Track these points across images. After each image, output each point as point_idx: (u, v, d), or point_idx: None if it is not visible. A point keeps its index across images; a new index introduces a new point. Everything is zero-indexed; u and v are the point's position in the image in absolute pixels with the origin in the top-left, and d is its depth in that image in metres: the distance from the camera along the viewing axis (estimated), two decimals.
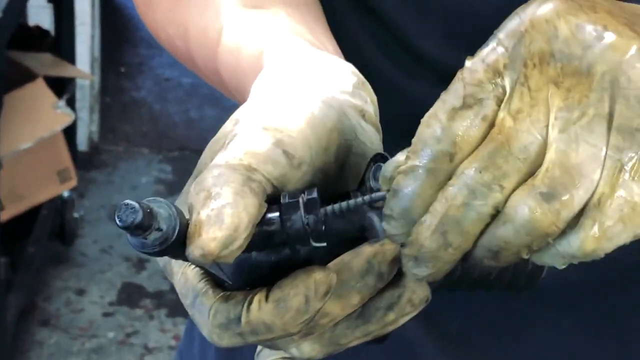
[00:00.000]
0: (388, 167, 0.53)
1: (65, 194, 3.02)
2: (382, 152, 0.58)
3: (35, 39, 3.03)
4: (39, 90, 2.79)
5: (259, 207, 0.53)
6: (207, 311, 0.55)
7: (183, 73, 3.83)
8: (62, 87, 2.95)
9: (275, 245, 0.55)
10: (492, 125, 0.49)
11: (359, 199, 0.55)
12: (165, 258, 0.58)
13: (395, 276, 0.55)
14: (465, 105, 0.50)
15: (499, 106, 0.49)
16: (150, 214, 0.51)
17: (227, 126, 0.57)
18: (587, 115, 0.47)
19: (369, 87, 0.62)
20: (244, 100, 0.65)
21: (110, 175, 3.50)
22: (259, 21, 0.69)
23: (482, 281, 0.63)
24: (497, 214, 0.49)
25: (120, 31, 3.60)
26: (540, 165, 0.48)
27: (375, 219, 0.56)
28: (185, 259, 0.53)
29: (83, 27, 3.35)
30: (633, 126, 0.47)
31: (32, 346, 2.78)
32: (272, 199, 0.55)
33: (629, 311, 0.79)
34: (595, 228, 0.47)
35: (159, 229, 0.51)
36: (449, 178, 0.50)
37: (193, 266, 0.56)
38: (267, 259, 0.55)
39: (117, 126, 3.68)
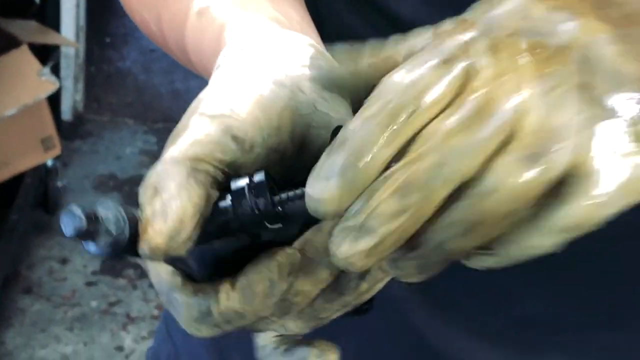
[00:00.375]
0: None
1: (49, 162, 3.01)
2: (341, 125, 0.57)
3: (20, 6, 3.02)
4: (23, 57, 2.77)
5: (206, 197, 0.53)
6: (180, 307, 0.56)
7: None
8: (46, 54, 2.94)
9: (233, 232, 0.55)
10: (463, 87, 0.46)
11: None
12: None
13: None
14: (437, 64, 0.46)
15: (470, 72, 0.46)
16: (95, 219, 0.51)
17: (183, 119, 0.57)
18: (563, 85, 0.46)
19: (329, 56, 0.61)
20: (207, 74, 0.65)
21: (95, 145, 3.49)
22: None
23: None
24: (469, 183, 0.44)
25: (105, 1, 3.58)
26: (515, 132, 0.45)
27: None
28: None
29: None
30: (606, 98, 0.46)
31: (15, 313, 2.78)
32: (226, 187, 0.54)
33: (619, 276, 0.79)
34: (586, 195, 0.44)
35: (108, 233, 0.51)
36: (411, 138, 0.46)
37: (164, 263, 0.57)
38: (228, 246, 0.55)
39: (102, 96, 3.67)
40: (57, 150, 2.94)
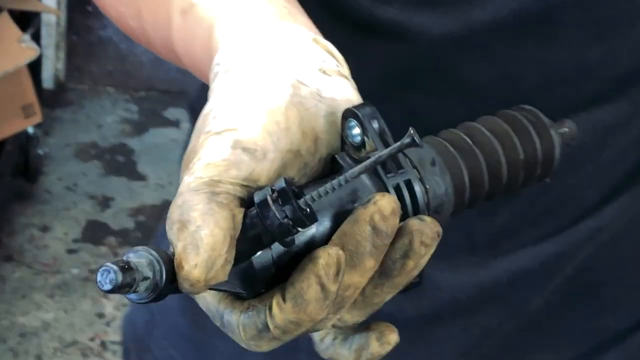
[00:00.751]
0: None
1: (30, 130, 3.00)
2: (351, 108, 0.57)
3: None
4: (3, 24, 2.76)
5: (232, 217, 0.53)
6: (236, 328, 0.56)
7: None
8: (27, 22, 2.93)
9: (267, 244, 0.55)
10: None
11: (341, 178, 0.54)
12: None
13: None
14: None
15: None
16: (129, 269, 0.51)
17: (193, 139, 0.57)
18: None
19: (323, 40, 0.61)
20: (205, 81, 0.64)
21: (76, 114, 3.48)
22: None
23: (496, 189, 0.62)
24: None
25: None
26: None
27: (364, 176, 0.56)
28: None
29: None
30: None
31: None
32: (251, 201, 0.54)
33: (604, 224, 0.80)
34: None
35: (146, 278, 0.51)
36: None
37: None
38: (267, 259, 0.55)
39: (83, 65, 3.66)
40: (37, 118, 2.93)
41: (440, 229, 0.56)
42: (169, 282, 0.52)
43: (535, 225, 0.79)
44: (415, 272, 0.56)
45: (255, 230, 0.54)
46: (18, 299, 2.75)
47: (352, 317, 0.57)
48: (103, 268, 0.51)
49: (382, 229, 0.54)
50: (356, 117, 0.57)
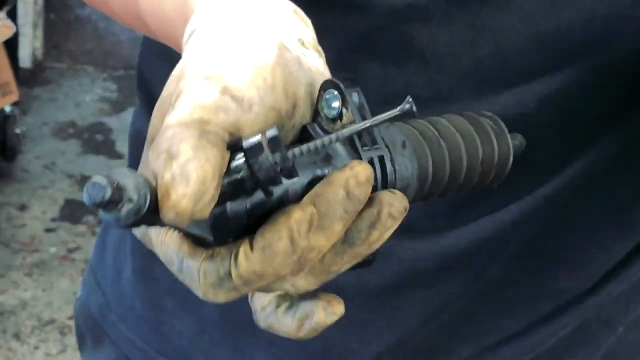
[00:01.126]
0: None
1: (7, 109, 3.00)
2: (332, 79, 0.58)
3: None
4: None
5: (222, 157, 0.53)
6: (196, 274, 0.55)
7: None
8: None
9: (247, 191, 0.54)
10: None
11: (325, 139, 0.55)
12: (142, 229, 0.58)
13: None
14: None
15: None
16: (118, 187, 0.50)
17: (170, 85, 0.56)
18: None
19: (302, 12, 0.62)
20: (175, 46, 0.64)
21: (54, 93, 3.47)
22: None
23: (452, 185, 0.63)
24: None
25: None
26: None
27: (338, 145, 0.57)
28: (162, 224, 0.52)
29: None
30: None
31: None
32: (232, 147, 0.54)
33: (557, 191, 0.80)
34: None
35: (130, 200, 0.51)
36: None
37: (171, 232, 0.56)
38: (241, 207, 0.55)
39: (61, 43, 3.65)
40: (14, 96, 2.92)
41: (407, 205, 0.56)
42: (150, 210, 0.51)
43: (493, 194, 0.79)
44: (377, 245, 0.57)
45: (238, 176, 0.54)
46: None
47: (306, 283, 0.57)
48: (94, 181, 0.50)
49: (355, 194, 0.54)
50: (337, 88, 0.58)
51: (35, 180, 3.08)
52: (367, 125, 0.56)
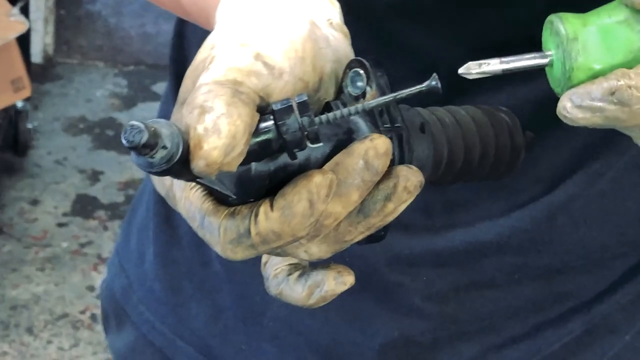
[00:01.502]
0: None
1: (19, 104, 3.01)
2: (359, 58, 0.60)
3: None
4: None
5: (252, 116, 0.54)
6: (216, 229, 0.57)
7: None
8: None
9: (273, 152, 0.56)
10: None
11: (352, 108, 0.57)
12: (167, 184, 0.60)
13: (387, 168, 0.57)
14: None
15: None
16: (155, 133, 0.52)
17: (203, 52, 0.58)
18: None
19: None
20: (208, 25, 0.65)
21: (65, 88, 3.48)
22: None
23: (465, 173, 0.65)
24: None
25: None
26: None
27: (360, 121, 0.59)
28: (189, 176, 0.54)
29: None
30: None
31: None
32: (261, 111, 0.56)
33: (561, 202, 0.81)
34: None
35: (164, 147, 0.53)
36: None
37: (195, 189, 0.58)
38: (265, 168, 0.57)
39: (72, 39, 3.66)
40: (27, 92, 2.93)
41: (423, 180, 0.58)
42: (181, 160, 0.53)
43: (492, 199, 0.80)
44: (391, 218, 0.58)
45: (266, 136, 0.55)
46: (8, 272, 2.76)
47: (319, 250, 0.59)
48: (132, 125, 0.52)
49: (374, 164, 0.56)
50: (363, 67, 0.59)
51: (46, 175, 3.09)
52: (392, 97, 0.58)
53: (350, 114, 0.57)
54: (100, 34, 3.69)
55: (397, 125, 0.60)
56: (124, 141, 0.52)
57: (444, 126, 0.63)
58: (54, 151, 3.18)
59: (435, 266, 0.83)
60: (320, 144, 0.56)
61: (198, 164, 0.53)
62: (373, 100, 0.57)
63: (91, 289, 2.75)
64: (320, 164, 0.57)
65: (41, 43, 3.51)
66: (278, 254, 0.59)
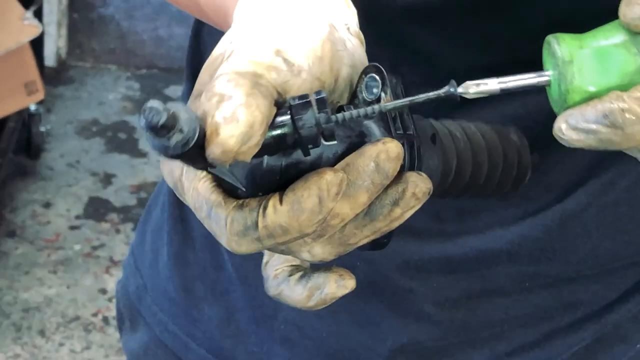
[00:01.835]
0: None
1: (32, 107, 3.02)
2: (375, 64, 0.60)
3: None
4: (6, 1, 2.77)
5: (270, 108, 0.55)
6: (223, 221, 0.56)
7: None
8: None
9: (286, 147, 0.56)
10: None
11: (368, 108, 0.57)
12: (176, 174, 0.60)
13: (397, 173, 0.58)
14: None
15: None
16: (173, 116, 0.52)
17: (222, 46, 0.58)
18: None
19: (351, 4, 0.64)
20: (225, 24, 0.66)
21: (78, 91, 3.49)
22: None
23: (471, 187, 0.65)
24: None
25: None
26: None
27: (373, 125, 0.59)
28: (202, 164, 0.54)
29: None
30: None
31: None
32: (277, 106, 0.56)
33: (573, 211, 0.81)
34: None
35: (181, 131, 0.52)
36: None
37: (204, 180, 0.57)
38: (278, 163, 0.57)
39: (85, 42, 3.67)
40: (40, 95, 2.94)
41: (432, 188, 0.59)
42: (196, 146, 0.53)
43: (504, 207, 0.80)
44: (397, 224, 0.58)
45: (281, 130, 0.56)
46: (21, 274, 2.76)
47: (323, 251, 0.59)
48: (150, 105, 0.52)
49: (385, 167, 0.56)
50: (379, 73, 0.60)
51: (59, 178, 3.10)
52: (410, 101, 0.58)
53: (367, 114, 0.57)
54: (113, 37, 3.70)
55: (409, 132, 0.60)
56: (141, 122, 0.52)
57: (454, 140, 0.64)
58: (66, 154, 3.19)
59: (446, 272, 0.83)
60: (334, 142, 0.57)
61: (214, 151, 0.53)
62: (390, 102, 0.57)
63: (103, 291, 2.75)
64: (331, 164, 0.58)
65: (54, 46, 3.52)
66: (282, 252, 0.59)
